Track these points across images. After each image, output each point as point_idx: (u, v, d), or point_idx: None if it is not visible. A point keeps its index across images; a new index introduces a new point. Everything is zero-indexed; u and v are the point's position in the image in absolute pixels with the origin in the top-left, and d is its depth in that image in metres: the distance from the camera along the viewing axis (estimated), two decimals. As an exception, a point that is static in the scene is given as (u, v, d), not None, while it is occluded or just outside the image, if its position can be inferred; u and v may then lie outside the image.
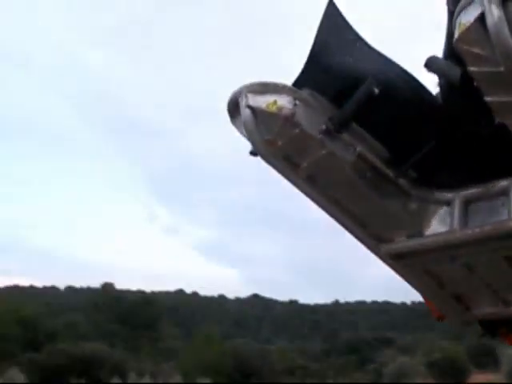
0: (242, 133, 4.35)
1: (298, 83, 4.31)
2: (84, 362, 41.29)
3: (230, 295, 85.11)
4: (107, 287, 62.98)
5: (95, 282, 77.26)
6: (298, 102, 4.23)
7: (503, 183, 4.12)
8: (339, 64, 4.31)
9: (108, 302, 58.29)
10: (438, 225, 4.45)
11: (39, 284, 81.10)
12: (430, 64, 4.15)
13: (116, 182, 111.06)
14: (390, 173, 4.39)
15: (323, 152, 4.29)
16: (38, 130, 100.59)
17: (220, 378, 41.16)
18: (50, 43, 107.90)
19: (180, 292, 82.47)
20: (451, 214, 4.37)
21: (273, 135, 4.25)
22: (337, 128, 4.24)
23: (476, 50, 3.56)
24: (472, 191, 4.31)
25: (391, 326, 65.80)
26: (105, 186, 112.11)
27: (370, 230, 4.61)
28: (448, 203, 4.43)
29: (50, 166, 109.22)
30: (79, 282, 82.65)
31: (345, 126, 4.26)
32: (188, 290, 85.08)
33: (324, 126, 4.21)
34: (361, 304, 74.85)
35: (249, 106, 4.23)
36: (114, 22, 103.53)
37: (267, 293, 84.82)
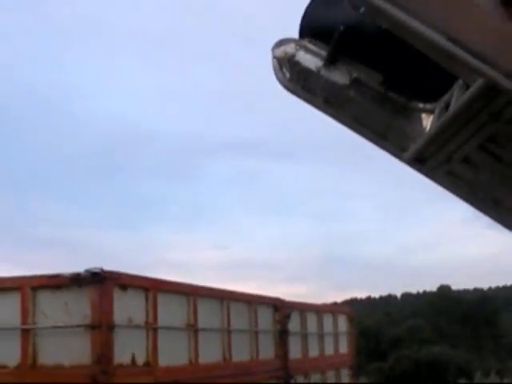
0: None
1: (301, 34, 5.95)
2: (429, 366, 42.32)
3: None
4: (444, 289, 63.28)
5: (431, 286, 77.59)
6: (298, 48, 5.92)
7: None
8: (330, 16, 5.75)
9: (446, 303, 58.47)
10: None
11: (376, 295, 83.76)
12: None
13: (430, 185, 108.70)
14: (383, 90, 5.70)
15: (322, 80, 5.86)
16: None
17: None
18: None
19: (519, 285, 79.16)
20: (435, 120, 5.47)
21: (289, 74, 6.06)
22: (327, 61, 5.81)
23: None
24: (444, 99, 5.40)
25: None
26: (414, 189, 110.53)
27: (390, 142, 5.85)
28: (432, 111, 5.58)
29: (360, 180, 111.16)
30: (415, 288, 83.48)
31: (333, 60, 5.78)
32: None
33: (321, 62, 5.84)
34: None
35: (274, 57, 6.10)
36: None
37: None
